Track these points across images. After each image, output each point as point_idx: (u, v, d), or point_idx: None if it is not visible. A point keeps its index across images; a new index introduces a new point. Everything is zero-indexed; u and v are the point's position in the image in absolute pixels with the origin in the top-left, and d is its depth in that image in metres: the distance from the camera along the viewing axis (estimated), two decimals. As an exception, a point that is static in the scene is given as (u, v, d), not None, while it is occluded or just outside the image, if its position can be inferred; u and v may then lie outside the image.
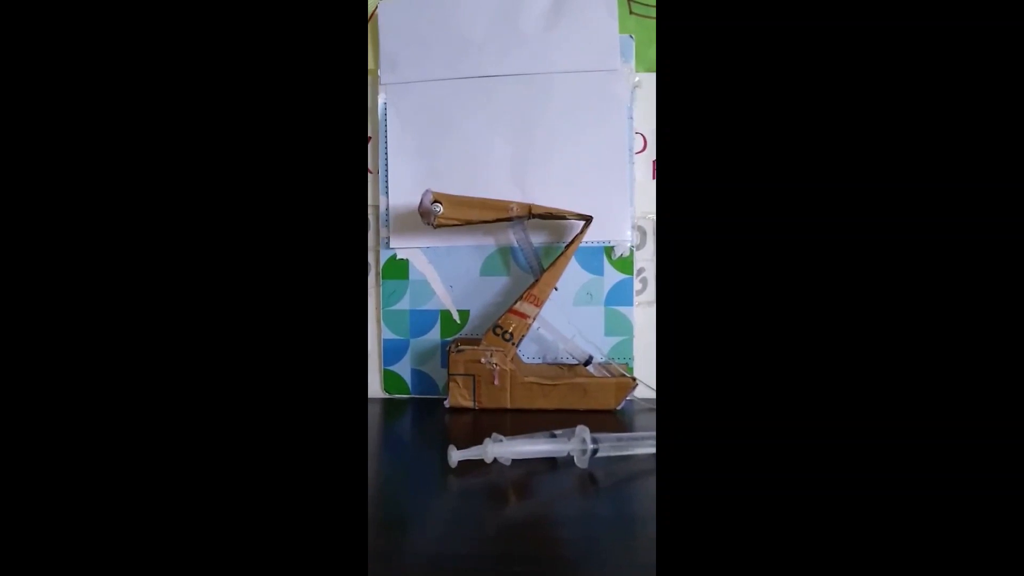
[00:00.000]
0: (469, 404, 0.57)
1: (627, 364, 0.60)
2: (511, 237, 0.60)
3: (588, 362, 0.58)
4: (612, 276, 0.61)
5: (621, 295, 0.61)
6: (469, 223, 0.57)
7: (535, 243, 0.60)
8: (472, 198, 0.56)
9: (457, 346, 0.57)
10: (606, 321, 0.61)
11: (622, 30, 0.60)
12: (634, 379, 0.56)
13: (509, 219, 0.57)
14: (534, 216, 0.57)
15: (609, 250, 0.60)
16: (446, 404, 0.58)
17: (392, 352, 0.63)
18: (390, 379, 0.63)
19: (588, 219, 0.57)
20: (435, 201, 0.55)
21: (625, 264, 0.60)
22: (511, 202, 0.56)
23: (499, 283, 0.61)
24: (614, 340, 0.61)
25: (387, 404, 0.61)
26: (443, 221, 0.56)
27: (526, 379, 0.56)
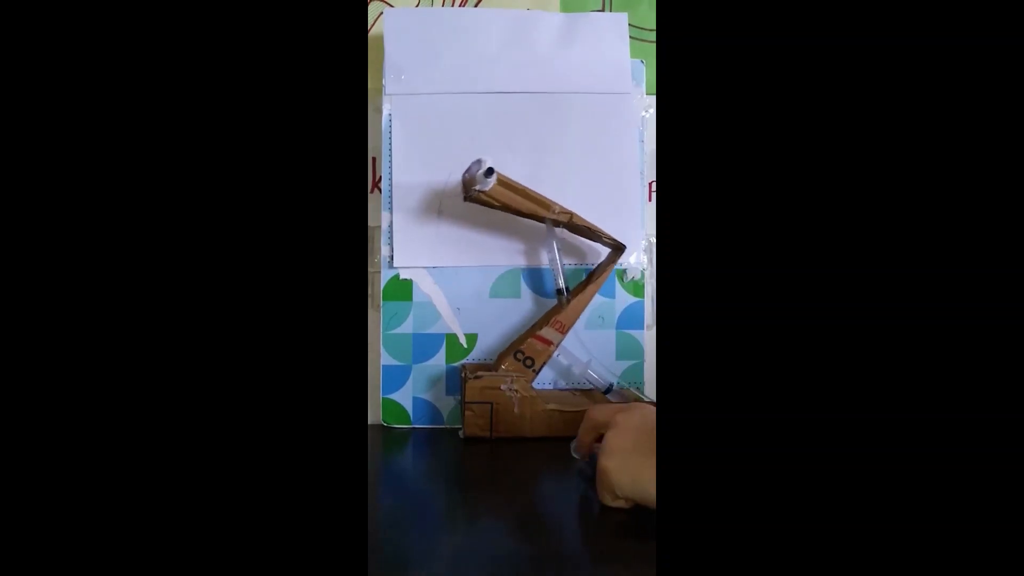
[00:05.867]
0: (486, 434, 0.54)
1: (639, 388, 0.59)
2: (534, 250, 0.58)
3: (609, 390, 0.56)
4: (624, 299, 0.60)
5: (632, 319, 0.60)
6: (506, 209, 0.53)
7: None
8: (521, 186, 0.53)
9: (474, 372, 0.54)
10: (617, 345, 0.60)
11: (633, 55, 0.61)
12: (653, 404, 0.56)
13: (543, 219, 0.54)
14: (571, 225, 0.54)
15: (621, 273, 0.60)
16: (461, 435, 0.55)
17: (393, 379, 0.58)
18: (390, 408, 0.58)
19: (621, 248, 0.56)
20: (490, 172, 0.50)
21: (637, 287, 0.60)
22: (555, 204, 0.54)
23: (510, 306, 0.59)
24: (626, 364, 0.60)
25: (387, 435, 0.57)
26: (483, 197, 0.52)
27: (547, 406, 0.54)
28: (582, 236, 0.57)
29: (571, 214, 0.54)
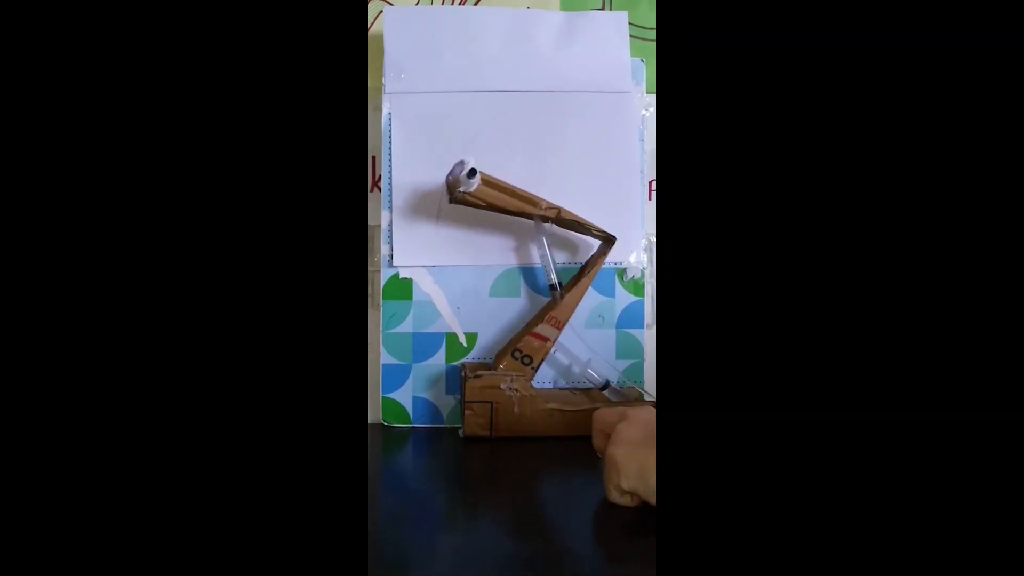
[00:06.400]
0: (486, 433, 0.54)
1: (639, 387, 0.59)
2: (532, 249, 0.58)
3: (605, 387, 0.56)
4: (624, 298, 0.60)
5: (632, 318, 0.60)
6: (492, 208, 0.53)
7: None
8: (506, 184, 0.53)
9: (473, 371, 0.54)
10: (617, 344, 0.60)
11: (633, 53, 0.61)
12: (654, 403, 0.56)
13: (531, 216, 0.54)
14: (560, 219, 0.54)
15: (621, 272, 0.60)
16: (461, 434, 0.55)
17: (392, 378, 0.58)
18: (389, 408, 0.58)
19: (611, 240, 0.56)
20: (472, 173, 0.50)
21: (637, 286, 0.60)
22: (542, 200, 0.54)
23: (510, 305, 0.59)
24: (626, 363, 0.60)
25: (387, 434, 0.57)
26: (469, 198, 0.51)
27: (547, 405, 0.54)
28: (571, 230, 0.57)
29: (559, 209, 0.54)
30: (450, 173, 0.52)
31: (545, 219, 0.55)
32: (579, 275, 0.56)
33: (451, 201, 0.54)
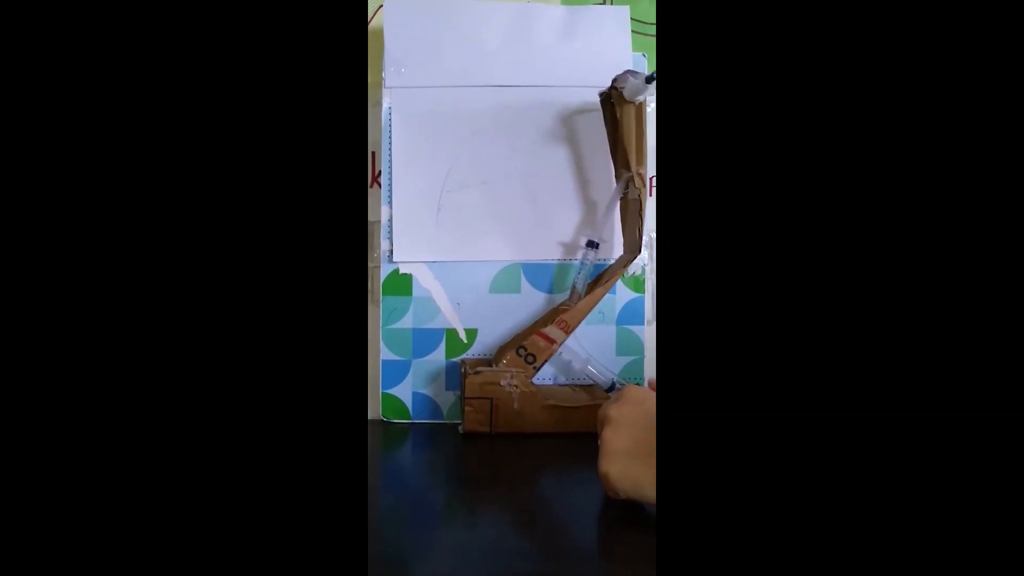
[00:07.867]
0: (485, 429, 0.54)
1: (639, 385, 0.59)
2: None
3: (611, 388, 0.56)
4: (624, 295, 0.60)
5: (633, 314, 0.60)
6: (615, 131, 0.55)
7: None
8: (645, 127, 0.54)
9: (473, 367, 0.54)
10: (617, 341, 0.59)
11: (635, 48, 0.60)
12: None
13: (623, 171, 0.55)
14: (635, 198, 0.54)
15: (621, 268, 0.59)
16: (461, 430, 0.54)
17: (392, 374, 0.58)
18: (389, 403, 0.58)
19: (637, 251, 0.55)
20: (652, 79, 0.50)
21: (637, 283, 0.60)
22: (645, 170, 0.55)
23: (509, 301, 0.59)
24: (626, 360, 0.59)
25: (386, 430, 0.57)
26: (618, 103, 0.53)
27: (547, 402, 0.54)
28: (625, 216, 0.56)
29: (645, 189, 0.54)
30: (626, 73, 0.52)
31: (628, 183, 0.54)
32: (595, 283, 0.56)
33: (600, 95, 0.55)
